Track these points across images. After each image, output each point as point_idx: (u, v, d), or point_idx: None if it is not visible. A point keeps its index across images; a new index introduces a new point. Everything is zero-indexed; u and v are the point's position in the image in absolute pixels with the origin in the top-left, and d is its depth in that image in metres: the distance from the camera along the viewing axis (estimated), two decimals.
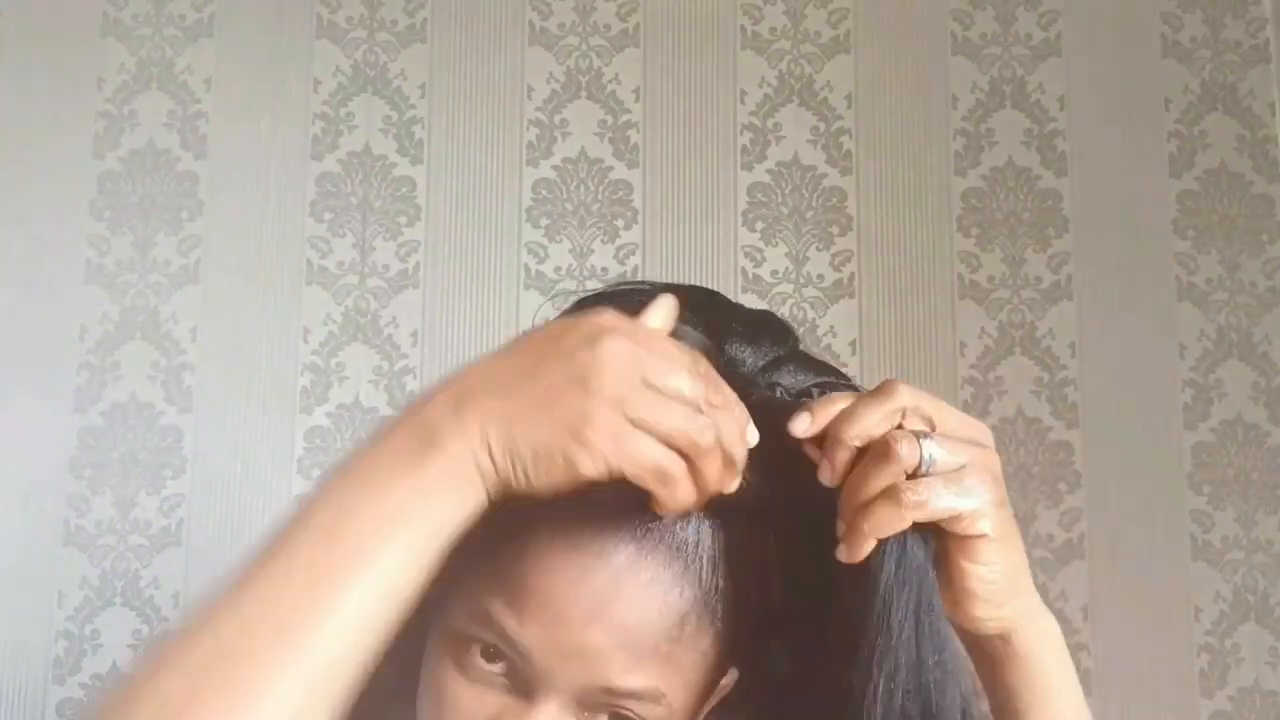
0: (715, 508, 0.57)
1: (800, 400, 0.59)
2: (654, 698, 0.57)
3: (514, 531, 0.57)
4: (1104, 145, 1.55)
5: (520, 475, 0.51)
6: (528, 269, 1.49)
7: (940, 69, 1.56)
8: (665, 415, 0.51)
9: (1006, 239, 1.53)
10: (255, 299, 1.46)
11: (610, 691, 0.57)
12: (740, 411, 0.56)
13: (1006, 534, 0.57)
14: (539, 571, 0.56)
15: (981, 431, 0.59)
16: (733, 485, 0.56)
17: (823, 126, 1.54)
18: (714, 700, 0.63)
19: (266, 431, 1.43)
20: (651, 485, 0.52)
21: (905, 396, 0.57)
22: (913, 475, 0.55)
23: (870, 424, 0.56)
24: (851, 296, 1.51)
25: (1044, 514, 1.47)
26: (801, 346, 0.67)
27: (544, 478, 0.51)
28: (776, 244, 1.51)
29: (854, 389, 0.62)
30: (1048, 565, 1.46)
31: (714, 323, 0.62)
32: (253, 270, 1.47)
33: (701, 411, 0.53)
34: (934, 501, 0.55)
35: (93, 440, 1.42)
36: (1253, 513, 1.48)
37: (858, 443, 0.56)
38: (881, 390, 0.57)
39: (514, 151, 1.52)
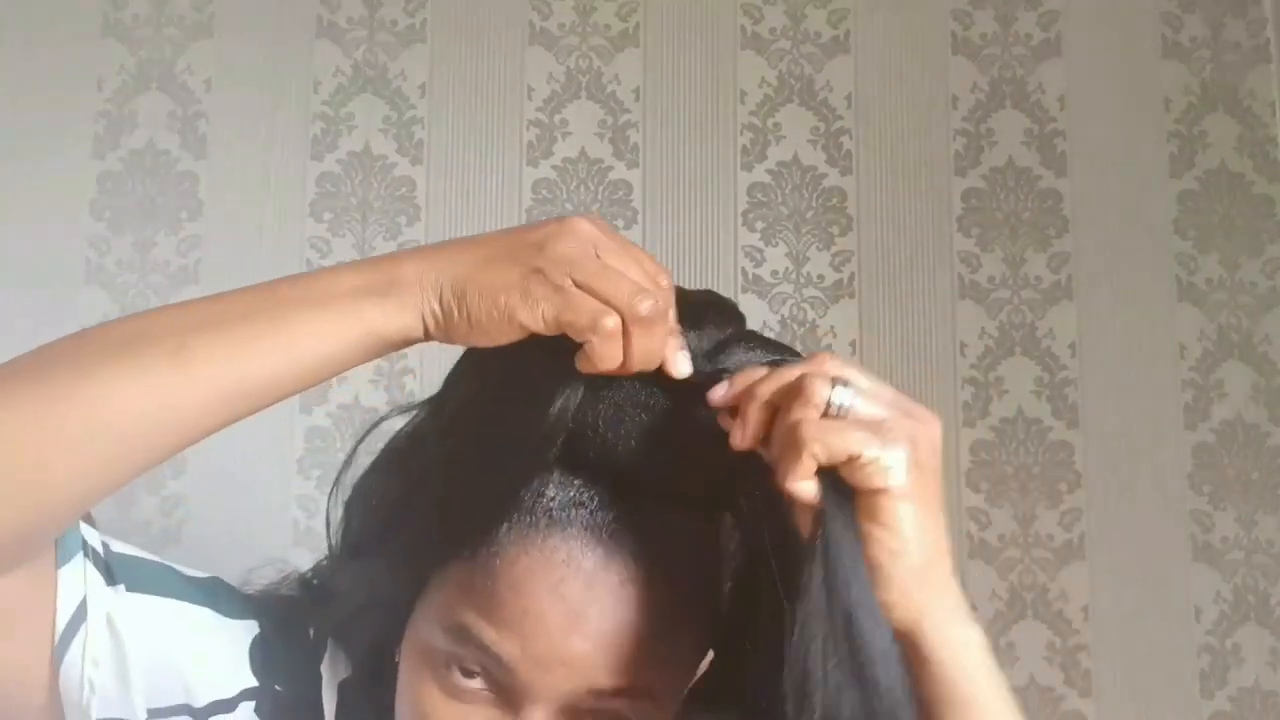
0: (678, 498, 0.57)
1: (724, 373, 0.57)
2: (643, 695, 0.57)
3: (481, 547, 0.57)
4: (1104, 145, 1.55)
5: (462, 319, 0.54)
6: None
7: (940, 69, 1.56)
8: (608, 281, 0.53)
9: (1007, 239, 1.53)
10: None
11: (597, 694, 0.56)
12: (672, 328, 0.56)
13: (922, 500, 0.51)
14: (511, 584, 0.56)
15: (919, 408, 0.54)
16: (675, 364, 0.55)
17: (823, 126, 1.54)
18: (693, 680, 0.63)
19: (266, 431, 1.43)
20: (585, 335, 0.53)
21: (832, 362, 0.54)
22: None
23: (786, 380, 0.53)
24: (851, 296, 1.51)
25: (1044, 514, 1.47)
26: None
27: (484, 323, 0.53)
28: (776, 244, 1.51)
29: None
30: (1048, 565, 1.46)
31: None
32: (253, 271, 1.47)
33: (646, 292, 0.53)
34: (835, 439, 0.50)
35: None
36: (1253, 513, 1.48)
37: (770, 396, 0.53)
38: (808, 357, 0.55)
39: (514, 151, 1.52)
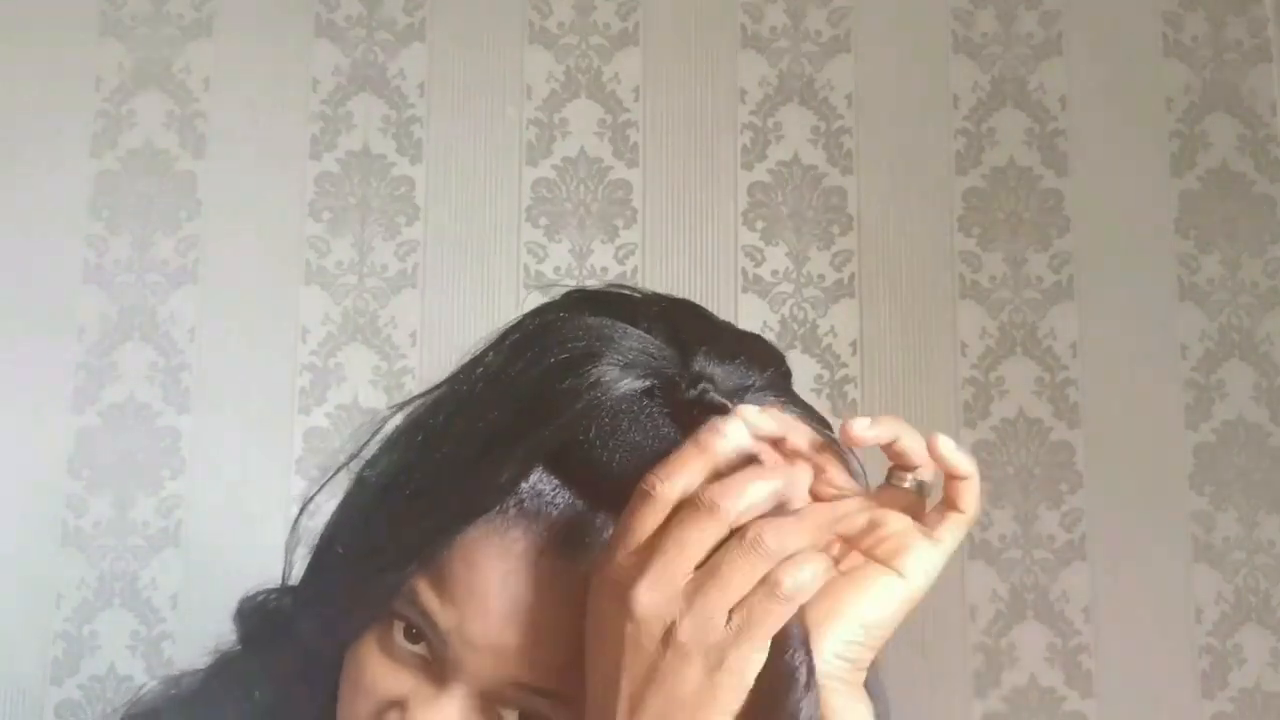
0: None
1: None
2: (565, 700, 0.56)
3: (447, 521, 0.56)
4: (1105, 145, 1.55)
5: None
6: (527, 269, 1.49)
7: (941, 68, 1.56)
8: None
9: (1008, 239, 1.52)
10: (253, 299, 1.46)
11: (521, 687, 0.56)
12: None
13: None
14: (466, 563, 0.56)
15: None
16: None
17: (823, 126, 1.54)
18: None
19: (264, 432, 1.43)
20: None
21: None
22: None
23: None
24: (852, 296, 1.51)
25: (1045, 514, 1.47)
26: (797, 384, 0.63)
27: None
28: (776, 244, 1.51)
29: (825, 432, 0.59)
30: (1049, 566, 1.46)
31: (685, 333, 0.59)
32: (251, 270, 1.46)
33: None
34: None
35: (91, 441, 1.42)
36: (1254, 513, 1.48)
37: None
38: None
39: (513, 151, 1.51)
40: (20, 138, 1.46)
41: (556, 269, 1.49)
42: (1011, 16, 1.57)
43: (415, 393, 0.62)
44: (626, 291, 0.63)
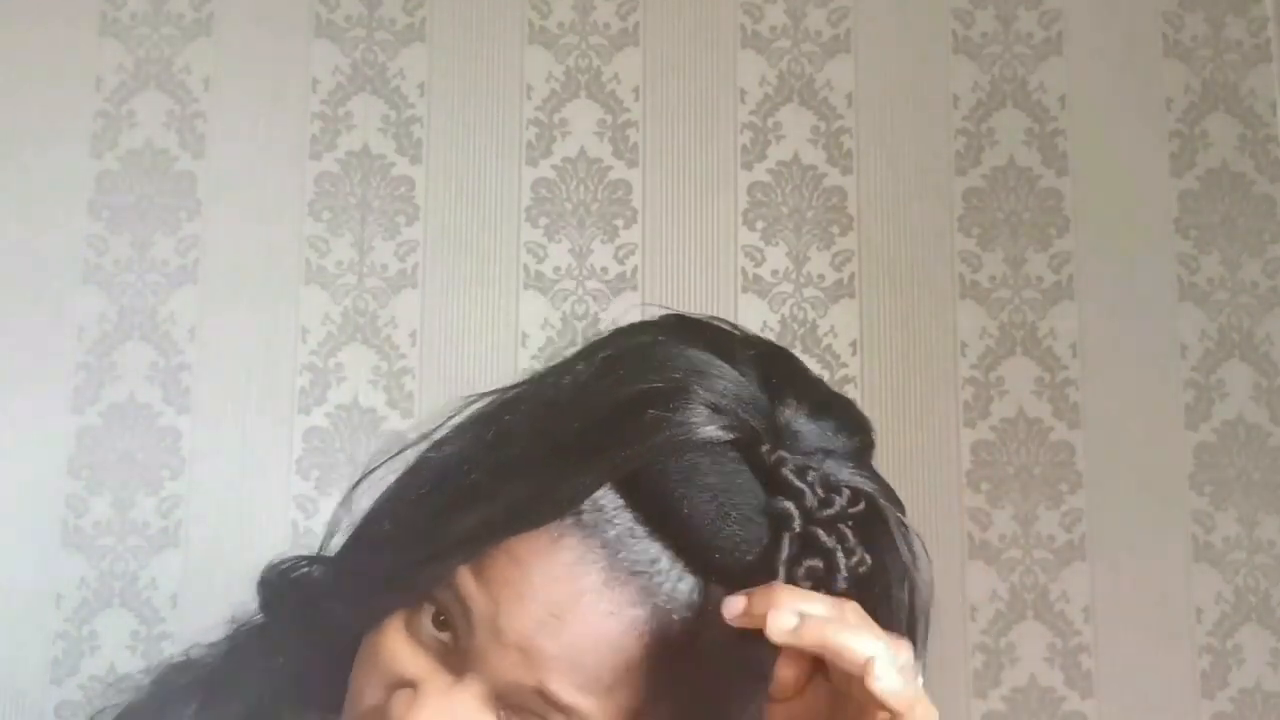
0: (714, 573, 0.56)
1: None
2: (580, 717, 0.56)
3: (502, 521, 0.56)
4: (1105, 144, 1.55)
5: None
6: (527, 269, 1.49)
7: (941, 68, 1.56)
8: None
9: (1008, 239, 1.52)
10: (253, 299, 1.46)
11: (539, 694, 0.56)
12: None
13: None
14: (510, 559, 0.56)
15: None
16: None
17: (823, 126, 1.54)
18: None
19: (265, 432, 1.43)
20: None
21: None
22: None
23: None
24: (851, 296, 1.51)
25: (1045, 515, 1.47)
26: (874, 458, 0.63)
27: None
28: (776, 244, 1.51)
29: (896, 513, 0.59)
30: (1048, 566, 1.46)
31: (777, 382, 0.59)
32: (251, 270, 1.46)
33: None
34: None
35: (90, 441, 1.42)
36: (1254, 513, 1.48)
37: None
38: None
39: (513, 151, 1.51)
40: (19, 137, 1.46)
41: (556, 269, 1.49)
42: (1011, 16, 1.57)
43: (410, 397, 0.62)
44: (726, 326, 0.63)
